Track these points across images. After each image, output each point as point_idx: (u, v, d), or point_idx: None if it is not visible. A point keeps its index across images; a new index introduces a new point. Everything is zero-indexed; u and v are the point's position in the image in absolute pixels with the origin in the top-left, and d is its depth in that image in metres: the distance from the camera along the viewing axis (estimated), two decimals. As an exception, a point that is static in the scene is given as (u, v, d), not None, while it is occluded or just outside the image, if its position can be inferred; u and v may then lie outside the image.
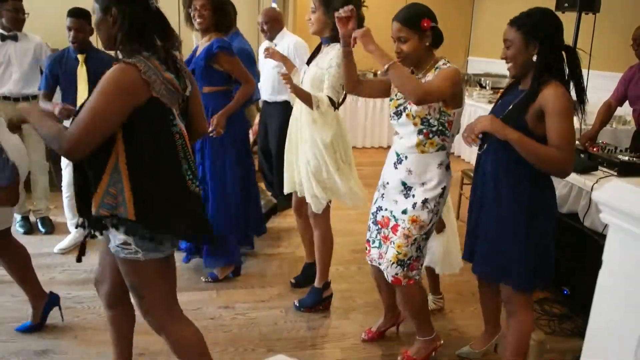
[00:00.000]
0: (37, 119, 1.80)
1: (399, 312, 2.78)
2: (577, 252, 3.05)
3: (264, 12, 4.23)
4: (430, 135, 2.29)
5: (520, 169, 2.12)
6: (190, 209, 1.89)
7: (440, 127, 2.28)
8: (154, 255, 1.83)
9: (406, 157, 2.35)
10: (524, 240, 2.17)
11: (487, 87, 6.55)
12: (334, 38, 2.69)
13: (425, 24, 2.21)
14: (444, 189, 2.36)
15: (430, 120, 2.27)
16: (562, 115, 1.99)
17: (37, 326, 2.79)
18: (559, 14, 3.92)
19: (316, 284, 3.09)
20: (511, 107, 2.13)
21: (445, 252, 2.92)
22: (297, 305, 3.10)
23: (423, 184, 2.34)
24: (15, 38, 3.88)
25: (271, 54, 3.07)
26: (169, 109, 1.80)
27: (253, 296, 3.24)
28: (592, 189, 2.87)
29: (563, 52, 2.09)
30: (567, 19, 3.85)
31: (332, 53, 2.71)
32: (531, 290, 2.29)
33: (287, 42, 4.17)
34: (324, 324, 2.98)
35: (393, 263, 2.38)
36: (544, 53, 2.06)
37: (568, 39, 3.75)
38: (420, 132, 2.29)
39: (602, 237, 2.81)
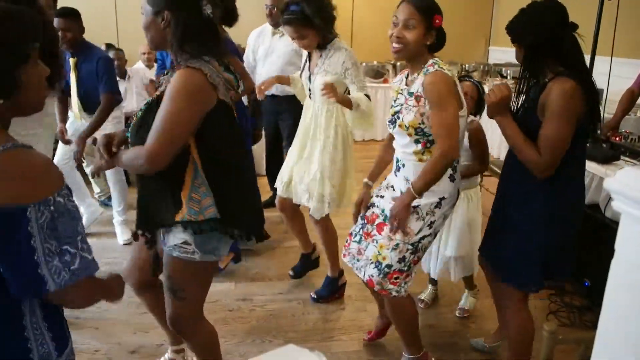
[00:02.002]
0: (118, 162, 1.83)
1: None
2: (598, 243, 3.00)
3: None
4: (428, 145, 2.12)
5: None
6: (256, 203, 1.97)
7: None
8: (209, 258, 1.87)
9: (404, 165, 2.22)
10: (516, 238, 2.11)
11: (509, 77, 6.45)
12: (324, 43, 2.78)
13: (437, 20, 2.05)
14: (441, 199, 2.16)
15: (425, 130, 2.09)
16: (556, 116, 1.90)
17: None
18: (580, 0, 3.85)
19: (330, 273, 3.11)
20: (527, 99, 2.10)
21: (466, 254, 2.83)
22: (314, 297, 3.11)
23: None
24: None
25: (266, 86, 2.96)
26: (231, 108, 1.83)
27: (271, 288, 3.26)
28: (613, 179, 2.81)
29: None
30: (589, 5, 3.78)
31: (338, 57, 2.76)
32: (521, 289, 2.18)
33: None
34: (341, 316, 2.99)
35: (372, 262, 2.23)
36: (528, 56, 2.03)
37: (590, 27, 3.70)
38: (417, 142, 2.13)
39: (624, 228, 2.77)
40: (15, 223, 1.07)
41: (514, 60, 2.18)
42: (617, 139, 3.18)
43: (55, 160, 3.76)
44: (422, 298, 3.10)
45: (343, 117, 2.86)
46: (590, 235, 3.04)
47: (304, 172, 2.88)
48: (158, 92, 1.82)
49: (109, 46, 5.87)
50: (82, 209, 3.91)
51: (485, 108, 2.19)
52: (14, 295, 1.14)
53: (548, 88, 1.94)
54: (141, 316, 2.86)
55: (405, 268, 2.19)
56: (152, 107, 1.77)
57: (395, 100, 2.25)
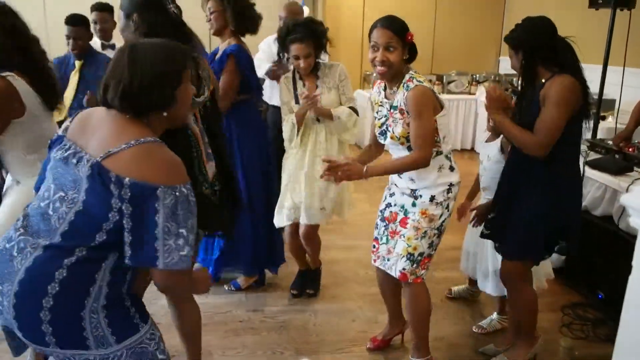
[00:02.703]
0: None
1: (404, 320, 2.73)
2: (612, 255, 2.98)
3: (285, 6, 4.00)
4: None
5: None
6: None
7: None
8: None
9: None
10: (518, 211, 2.34)
11: (519, 87, 6.44)
12: (316, 64, 2.92)
13: (409, 37, 2.24)
14: (450, 185, 2.36)
15: None
16: (554, 104, 2.16)
17: None
18: (592, 11, 3.85)
19: (313, 266, 3.31)
20: (528, 100, 2.33)
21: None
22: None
23: (427, 187, 2.35)
24: (113, 47, 4.02)
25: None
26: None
27: (282, 300, 3.26)
28: (627, 190, 2.80)
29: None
30: (602, 15, 3.78)
31: (334, 71, 2.95)
32: (521, 260, 2.39)
33: None
34: (352, 328, 2.98)
35: (402, 256, 2.34)
36: (527, 61, 2.30)
37: (602, 37, 3.69)
38: (409, 148, 2.29)
39: (638, 240, 2.74)
40: (147, 197, 1.34)
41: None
42: (630, 150, 3.16)
43: None
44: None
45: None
46: (604, 247, 3.03)
47: (319, 190, 2.95)
48: None
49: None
50: None
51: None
52: (116, 267, 1.42)
53: (548, 84, 2.21)
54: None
55: (433, 252, 2.39)
56: None
57: (377, 112, 2.42)
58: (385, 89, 2.40)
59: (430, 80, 2.57)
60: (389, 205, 2.50)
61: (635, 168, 3.02)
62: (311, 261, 3.31)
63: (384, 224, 2.50)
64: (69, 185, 1.42)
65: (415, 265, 2.33)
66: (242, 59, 2.96)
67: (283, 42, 2.84)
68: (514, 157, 2.42)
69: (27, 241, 1.42)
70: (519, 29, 2.34)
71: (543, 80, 2.29)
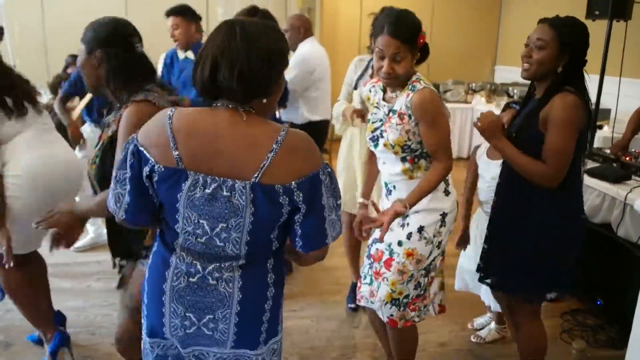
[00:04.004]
0: (88, 212, 1.95)
1: None
2: (611, 262, 3.02)
3: (295, 17, 3.84)
4: (416, 160, 2.10)
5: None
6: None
7: (425, 149, 2.08)
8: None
9: (394, 187, 2.18)
10: (532, 250, 2.09)
11: (515, 97, 6.51)
12: None
13: (422, 40, 2.00)
14: (443, 215, 2.13)
15: (412, 146, 2.07)
16: (560, 126, 1.93)
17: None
18: (589, 22, 3.90)
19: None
20: (523, 116, 2.11)
21: None
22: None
23: (417, 211, 2.11)
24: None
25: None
26: None
27: (285, 305, 3.26)
28: (625, 199, 2.84)
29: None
30: (598, 26, 3.83)
31: None
32: (532, 301, 2.21)
33: (300, 50, 3.72)
34: (355, 334, 3.00)
35: (386, 303, 2.15)
36: (570, 67, 1.99)
37: (599, 47, 3.75)
38: (404, 159, 2.10)
39: (637, 247, 2.79)
40: (315, 187, 1.34)
41: (520, 80, 2.20)
42: (627, 158, 3.21)
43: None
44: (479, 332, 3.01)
45: None
46: (602, 254, 3.07)
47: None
48: (109, 133, 1.85)
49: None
50: (92, 228, 3.95)
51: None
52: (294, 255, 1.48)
53: (550, 102, 1.97)
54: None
55: (422, 292, 2.19)
56: (106, 150, 1.84)
57: (372, 115, 2.20)
58: (384, 91, 2.17)
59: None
60: (375, 241, 2.24)
61: (633, 176, 3.06)
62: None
63: (369, 261, 2.27)
64: (228, 215, 1.34)
65: (402, 308, 2.16)
66: None
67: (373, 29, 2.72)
68: (511, 177, 2.14)
69: (217, 269, 1.40)
70: (577, 27, 2.01)
71: (537, 97, 2.09)
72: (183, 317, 1.43)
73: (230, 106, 1.33)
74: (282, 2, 7.31)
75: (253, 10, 2.97)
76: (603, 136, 4.31)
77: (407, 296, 2.15)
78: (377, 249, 2.23)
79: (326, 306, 3.23)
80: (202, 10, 4.10)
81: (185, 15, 3.59)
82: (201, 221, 1.35)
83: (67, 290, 3.34)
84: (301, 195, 1.32)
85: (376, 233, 2.22)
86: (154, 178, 1.35)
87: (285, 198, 1.32)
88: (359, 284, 2.33)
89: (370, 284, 2.24)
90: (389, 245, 2.17)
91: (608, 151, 3.44)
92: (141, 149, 1.35)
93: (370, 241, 2.30)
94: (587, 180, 3.18)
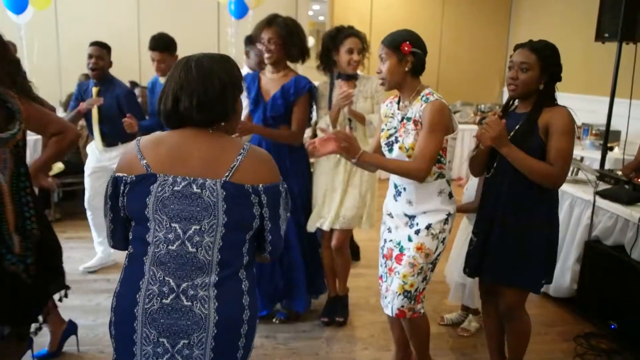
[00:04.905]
0: None
1: (411, 351, 2.67)
2: (624, 285, 2.98)
3: None
4: None
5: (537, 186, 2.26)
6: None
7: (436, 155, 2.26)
8: None
9: (404, 189, 2.36)
10: (544, 246, 2.33)
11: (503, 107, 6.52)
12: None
13: (405, 47, 2.23)
14: (448, 215, 2.34)
15: None
16: (564, 133, 2.19)
17: (54, 354, 2.79)
18: (598, 44, 3.93)
19: (341, 292, 3.33)
20: (518, 127, 2.27)
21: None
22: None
23: (425, 212, 2.33)
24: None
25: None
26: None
27: (294, 326, 3.25)
28: (639, 221, 2.82)
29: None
30: (608, 49, 3.86)
31: (371, 83, 3.05)
32: (538, 291, 2.46)
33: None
34: (365, 355, 2.97)
35: (399, 294, 2.32)
36: (550, 84, 2.27)
37: (609, 70, 3.76)
38: None
39: (652, 269, 2.76)
40: (277, 195, 1.48)
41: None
42: (639, 180, 3.19)
43: (86, 199, 3.88)
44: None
45: None
46: (615, 277, 3.03)
47: (352, 198, 3.08)
48: None
49: (133, 84, 6.04)
50: (101, 248, 3.94)
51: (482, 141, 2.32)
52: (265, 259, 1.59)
53: (546, 113, 2.22)
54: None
55: (427, 284, 2.38)
56: None
57: (386, 124, 2.42)
58: (399, 102, 2.40)
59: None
60: (385, 241, 2.49)
61: (645, 198, 3.05)
62: (340, 285, 3.33)
63: (384, 260, 2.49)
64: (200, 215, 1.39)
65: (412, 301, 2.32)
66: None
67: (334, 38, 2.96)
68: (502, 180, 2.32)
69: (191, 286, 1.40)
70: (553, 50, 2.27)
71: (522, 110, 2.30)
72: (156, 342, 1.40)
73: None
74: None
75: (272, 17, 2.97)
76: (614, 158, 4.31)
77: (416, 289, 2.32)
78: (387, 248, 2.46)
79: (335, 328, 3.19)
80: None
81: (169, 49, 3.69)
82: (173, 224, 1.39)
83: (76, 307, 3.33)
84: (265, 198, 1.45)
85: (385, 234, 2.50)
86: (125, 190, 1.44)
87: (255, 197, 1.44)
88: (381, 284, 2.51)
89: (385, 280, 2.45)
90: (399, 243, 2.39)
91: (619, 173, 3.42)
92: (115, 175, 1.47)
93: (381, 243, 2.53)
94: (600, 202, 3.16)
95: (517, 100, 2.36)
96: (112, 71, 3.83)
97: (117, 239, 1.55)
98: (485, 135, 2.25)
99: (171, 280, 1.39)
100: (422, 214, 2.34)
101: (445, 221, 2.34)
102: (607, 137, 3.96)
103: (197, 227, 1.39)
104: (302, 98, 3.00)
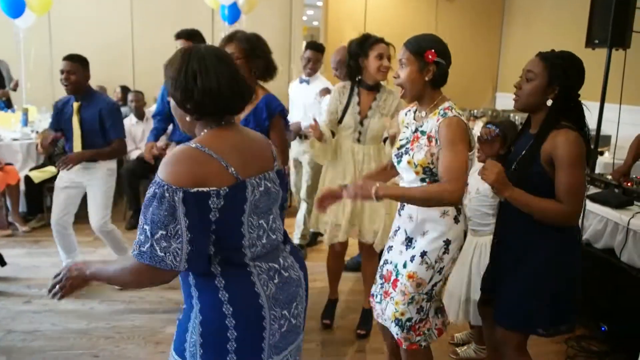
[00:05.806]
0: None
1: None
2: (614, 287, 3.02)
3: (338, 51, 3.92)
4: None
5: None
6: None
7: None
8: None
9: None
10: (521, 282, 2.09)
11: (517, 123, 6.57)
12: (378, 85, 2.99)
13: (429, 55, 2.05)
14: (447, 242, 2.12)
15: (434, 170, 2.07)
16: (571, 165, 1.93)
17: None
18: (588, 51, 3.98)
19: (366, 306, 3.22)
20: (524, 153, 2.07)
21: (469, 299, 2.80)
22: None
23: (424, 233, 2.15)
24: (308, 82, 4.48)
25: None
26: None
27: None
28: (628, 224, 2.86)
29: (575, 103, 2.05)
30: (598, 55, 3.91)
31: (392, 99, 2.99)
32: (528, 332, 2.16)
33: (321, 84, 4.29)
34: (359, 358, 2.98)
35: (392, 322, 2.20)
36: (560, 100, 2.01)
37: (599, 75, 3.81)
38: (422, 180, 2.11)
39: (641, 272, 2.79)
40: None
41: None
42: (629, 184, 3.24)
43: (54, 216, 3.64)
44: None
45: None
46: (606, 280, 3.07)
47: (370, 212, 3.02)
48: None
49: (124, 88, 6.03)
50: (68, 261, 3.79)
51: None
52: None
53: (552, 139, 1.97)
54: (160, 355, 2.87)
55: (425, 316, 2.19)
56: None
57: (402, 134, 2.25)
58: (416, 111, 2.23)
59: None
60: (386, 261, 2.32)
61: (635, 202, 3.09)
62: (365, 297, 3.22)
63: (381, 282, 2.33)
64: (272, 203, 1.57)
65: (405, 331, 2.17)
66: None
67: (363, 44, 2.88)
68: (510, 212, 2.11)
69: (283, 261, 1.60)
70: (567, 60, 2.00)
71: (531, 131, 2.10)
72: (280, 317, 1.54)
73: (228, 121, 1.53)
74: (286, 29, 7.45)
75: (232, 33, 2.67)
76: (604, 162, 4.35)
77: (409, 319, 2.16)
78: (387, 270, 2.30)
79: (330, 331, 3.21)
80: (207, 37, 4.17)
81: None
82: (260, 221, 1.51)
83: (70, 312, 3.33)
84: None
85: (386, 254, 2.32)
86: (219, 205, 1.36)
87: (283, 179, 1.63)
88: (371, 302, 2.39)
89: (380, 302, 2.31)
90: (396, 267, 2.23)
91: (609, 177, 3.47)
92: (193, 190, 1.31)
93: (382, 262, 2.36)
94: (590, 205, 3.20)
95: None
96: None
97: (196, 260, 1.36)
98: (484, 179, 2.07)
99: (271, 264, 1.54)
100: (420, 236, 2.16)
101: (444, 250, 2.13)
102: (598, 142, 4.01)
103: (273, 216, 1.57)
104: (276, 120, 2.62)
